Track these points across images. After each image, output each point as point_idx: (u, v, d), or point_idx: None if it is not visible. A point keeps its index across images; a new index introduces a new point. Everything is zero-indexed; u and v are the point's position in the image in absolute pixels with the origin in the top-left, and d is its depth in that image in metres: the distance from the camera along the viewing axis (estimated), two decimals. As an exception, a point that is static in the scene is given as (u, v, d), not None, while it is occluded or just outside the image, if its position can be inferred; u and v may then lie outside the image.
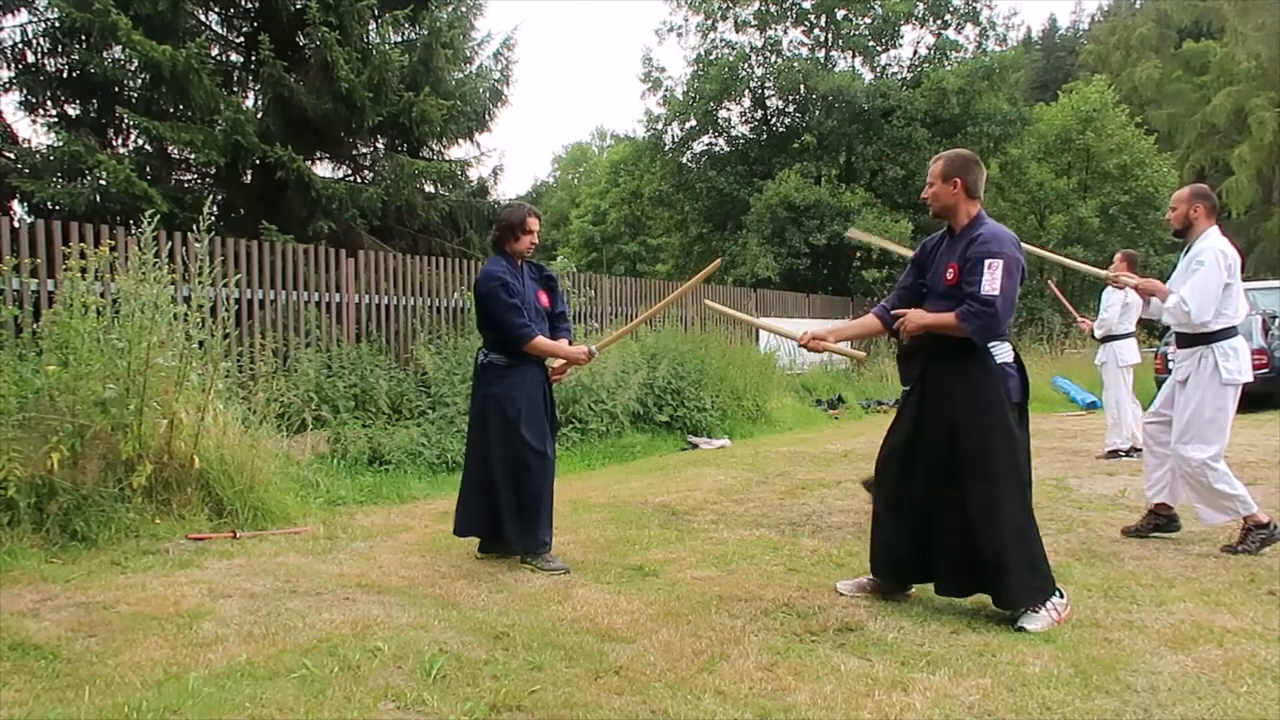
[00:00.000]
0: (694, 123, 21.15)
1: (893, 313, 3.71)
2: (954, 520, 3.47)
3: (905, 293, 3.79)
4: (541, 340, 4.36)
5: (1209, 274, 4.44)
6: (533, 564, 4.30)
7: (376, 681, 2.81)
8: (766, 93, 21.09)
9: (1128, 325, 8.17)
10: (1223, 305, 4.49)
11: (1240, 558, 4.42)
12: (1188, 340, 4.63)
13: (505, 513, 4.31)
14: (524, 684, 2.81)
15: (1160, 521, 4.90)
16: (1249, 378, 4.62)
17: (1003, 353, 3.53)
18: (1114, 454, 7.98)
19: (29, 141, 10.38)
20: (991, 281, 3.35)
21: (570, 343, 4.59)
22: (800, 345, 3.77)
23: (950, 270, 3.53)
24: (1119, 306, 8.00)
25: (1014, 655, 3.06)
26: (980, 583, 3.48)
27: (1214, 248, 4.49)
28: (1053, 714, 2.62)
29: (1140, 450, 7.82)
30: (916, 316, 3.58)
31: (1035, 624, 3.35)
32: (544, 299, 4.53)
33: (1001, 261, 3.37)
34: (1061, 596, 3.49)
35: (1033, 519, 3.51)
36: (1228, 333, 4.54)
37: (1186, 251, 4.68)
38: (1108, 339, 8.18)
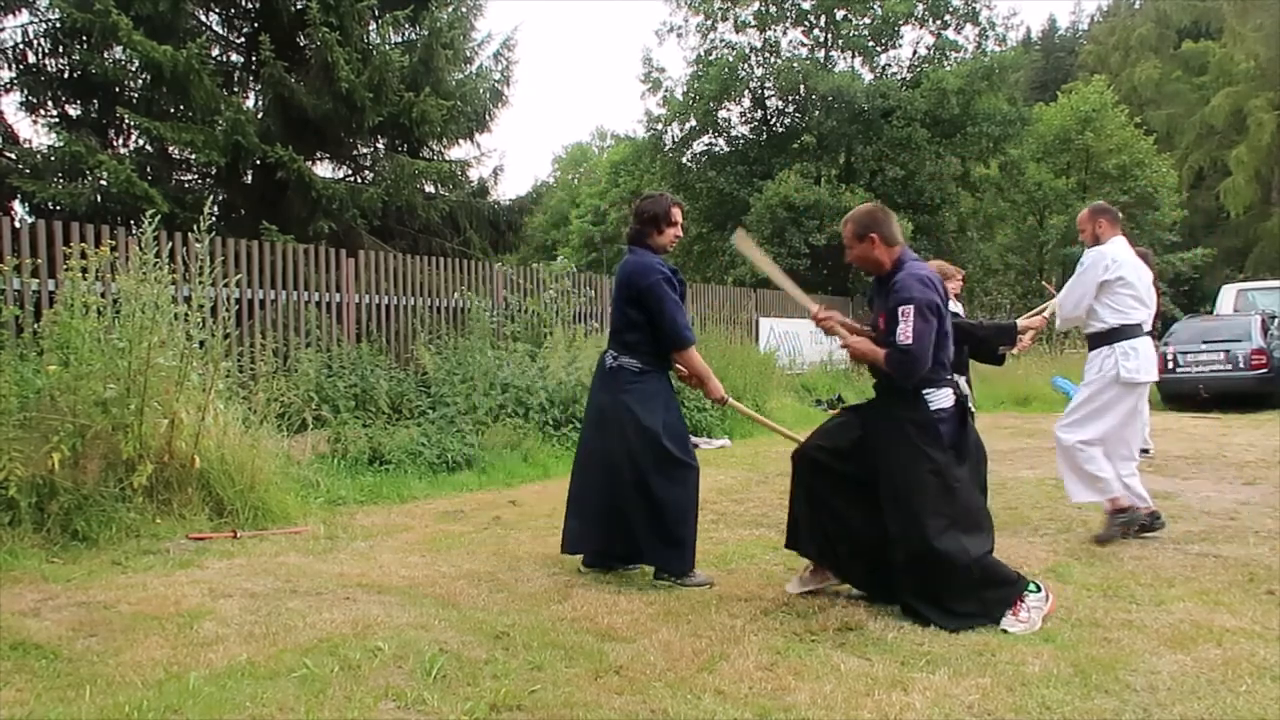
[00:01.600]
0: (694, 123, 21.16)
1: (848, 342, 3.79)
2: (877, 549, 3.58)
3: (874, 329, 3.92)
4: (695, 354, 4.04)
5: (1081, 275, 4.80)
6: (677, 581, 3.95)
7: (377, 681, 2.81)
8: (766, 93, 21.09)
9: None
10: (1115, 304, 4.73)
11: (1239, 556, 4.42)
12: (1092, 343, 4.88)
13: (640, 529, 3.91)
14: (524, 684, 2.81)
15: (1144, 520, 4.88)
16: (1150, 377, 4.74)
17: (939, 399, 3.59)
18: None
19: (30, 142, 10.42)
20: (905, 331, 3.48)
21: None
22: (812, 317, 3.82)
23: (881, 319, 3.67)
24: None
25: (1013, 655, 3.07)
26: (921, 607, 3.50)
27: (1097, 249, 4.78)
28: (1052, 713, 2.63)
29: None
30: (863, 346, 3.71)
31: (1015, 626, 3.36)
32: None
33: (913, 307, 3.50)
34: (1039, 590, 3.49)
35: (959, 551, 3.44)
36: (1125, 332, 4.72)
37: None
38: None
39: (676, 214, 4.08)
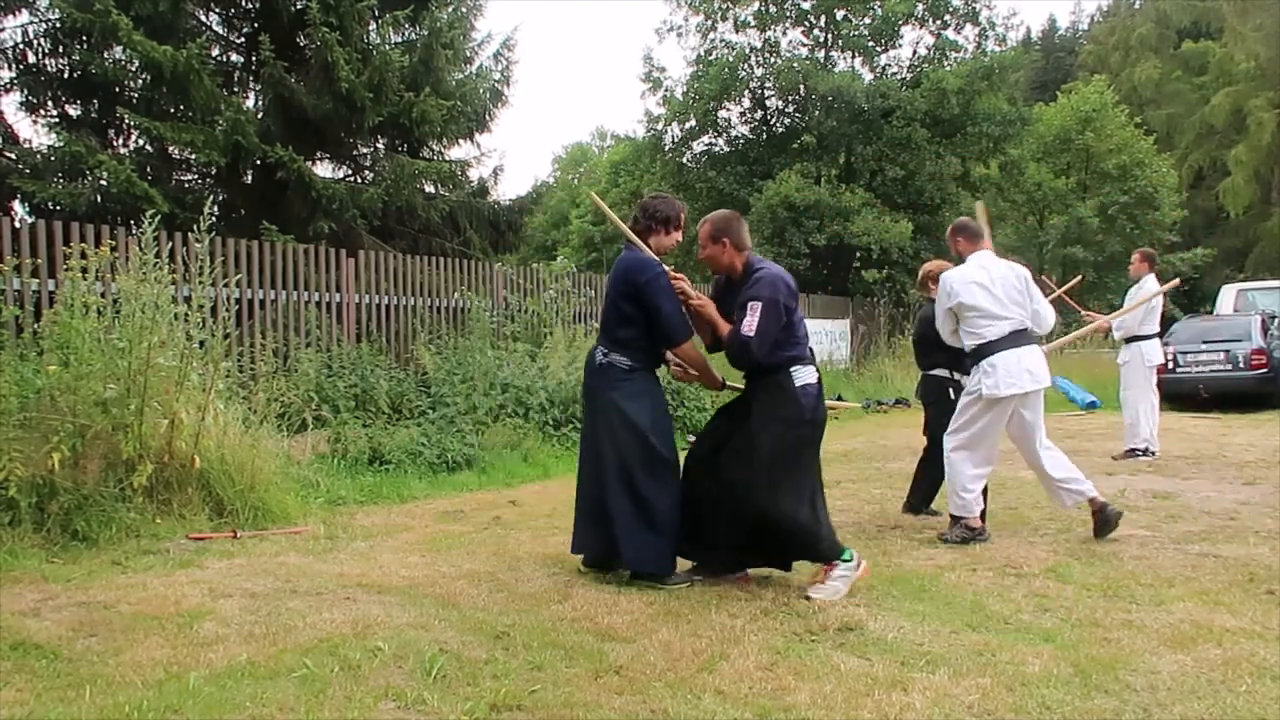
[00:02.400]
0: (694, 123, 21.14)
1: (695, 301, 4.08)
2: (733, 509, 3.90)
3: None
4: (692, 347, 4.08)
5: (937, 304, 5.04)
6: (663, 585, 3.92)
7: (377, 681, 2.81)
8: (766, 93, 21.08)
9: (1152, 326, 8.17)
10: (967, 327, 4.87)
11: (1239, 557, 4.42)
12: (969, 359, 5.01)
13: (624, 529, 3.89)
14: (524, 683, 2.81)
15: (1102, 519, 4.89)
16: (1014, 390, 4.72)
17: (804, 375, 3.95)
18: (1132, 453, 7.97)
19: (30, 142, 10.42)
20: (750, 324, 3.82)
21: None
22: (681, 295, 4.02)
23: (735, 316, 3.95)
24: (1143, 308, 7.99)
25: (1013, 655, 3.07)
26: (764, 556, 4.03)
27: (942, 279, 4.99)
28: (1052, 713, 2.63)
29: (1155, 451, 7.91)
30: (708, 311, 4.06)
31: (819, 593, 3.73)
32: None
33: (761, 304, 3.83)
34: (851, 559, 3.84)
35: (805, 500, 3.88)
36: (983, 351, 4.79)
37: None
38: (1132, 339, 8.17)
39: (684, 220, 4.17)
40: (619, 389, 3.98)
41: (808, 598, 3.70)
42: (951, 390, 5.42)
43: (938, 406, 5.48)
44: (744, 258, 4.03)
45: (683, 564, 4.16)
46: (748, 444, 3.88)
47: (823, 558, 3.86)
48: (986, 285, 4.81)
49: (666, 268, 3.99)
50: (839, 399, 13.76)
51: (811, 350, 4.06)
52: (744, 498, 3.84)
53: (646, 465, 3.94)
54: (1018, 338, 4.75)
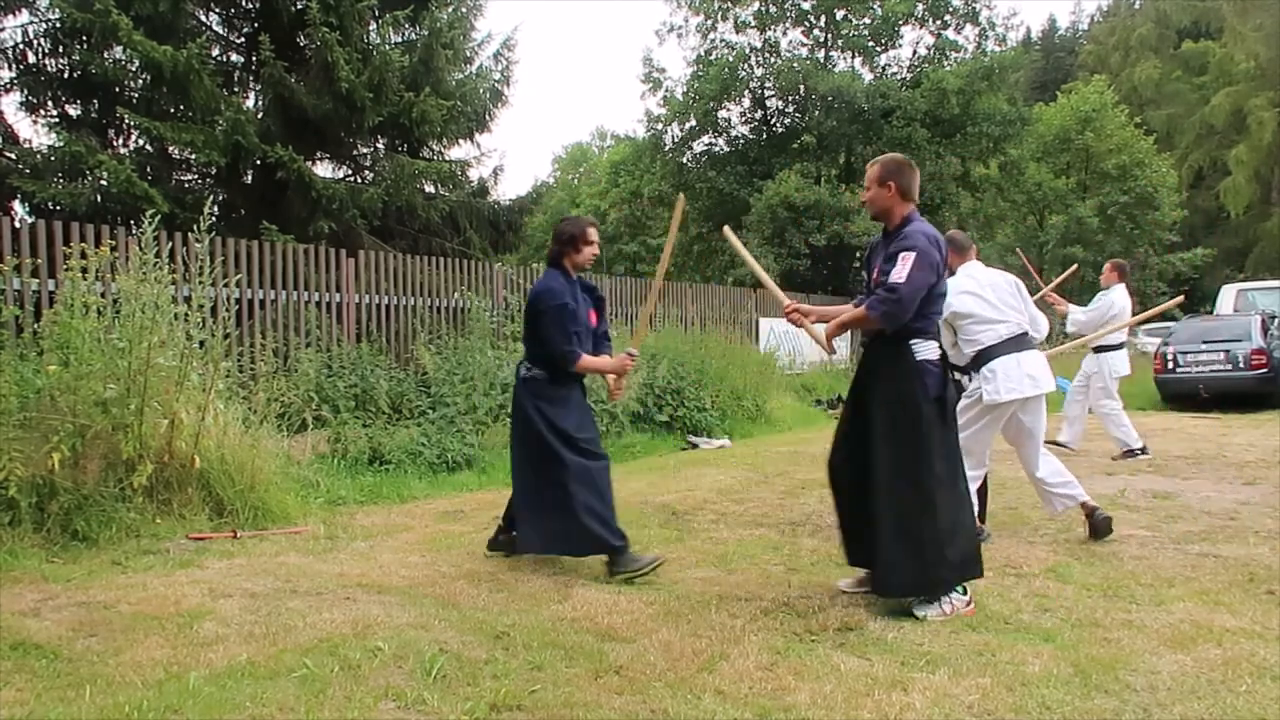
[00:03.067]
0: (694, 123, 21.17)
1: (818, 331, 3.90)
2: (868, 509, 3.62)
3: (868, 293, 3.93)
4: (586, 359, 4.25)
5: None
6: (625, 568, 4.10)
7: (377, 681, 2.81)
8: (766, 93, 21.10)
9: (1118, 335, 8.21)
10: (963, 335, 4.77)
11: (1239, 556, 4.42)
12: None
13: (573, 519, 4.13)
14: (524, 683, 2.81)
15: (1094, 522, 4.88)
16: (1014, 395, 4.65)
17: (925, 350, 3.62)
18: (1130, 453, 7.99)
19: (30, 142, 10.41)
20: (900, 272, 3.48)
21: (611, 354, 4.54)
22: (784, 312, 3.88)
23: (876, 271, 3.69)
24: (1105, 318, 8.04)
25: (1013, 655, 3.07)
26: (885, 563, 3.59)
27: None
28: (1052, 713, 2.63)
29: (1146, 451, 7.95)
30: (835, 322, 3.82)
31: (924, 610, 3.47)
32: (593, 318, 4.43)
33: (914, 254, 3.50)
34: (964, 594, 3.55)
35: (938, 513, 3.49)
36: (983, 357, 4.72)
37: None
38: (1101, 349, 8.21)
39: (592, 234, 4.35)
40: (541, 397, 4.28)
41: (910, 613, 3.48)
42: None
43: None
44: (906, 209, 3.70)
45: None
46: (866, 431, 3.61)
47: (924, 590, 3.51)
48: (976, 292, 4.79)
49: (786, 299, 3.97)
50: (839, 399, 13.78)
51: (938, 328, 3.77)
52: (872, 492, 3.56)
53: (581, 460, 4.20)
54: (1018, 342, 4.72)
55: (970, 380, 4.93)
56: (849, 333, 4.18)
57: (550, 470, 4.20)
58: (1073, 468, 7.59)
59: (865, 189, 3.80)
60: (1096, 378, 8.28)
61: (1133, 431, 8.10)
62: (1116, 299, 8.10)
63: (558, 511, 4.18)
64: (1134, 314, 8.48)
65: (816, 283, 18.98)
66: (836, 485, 3.90)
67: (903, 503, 3.50)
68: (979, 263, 5.05)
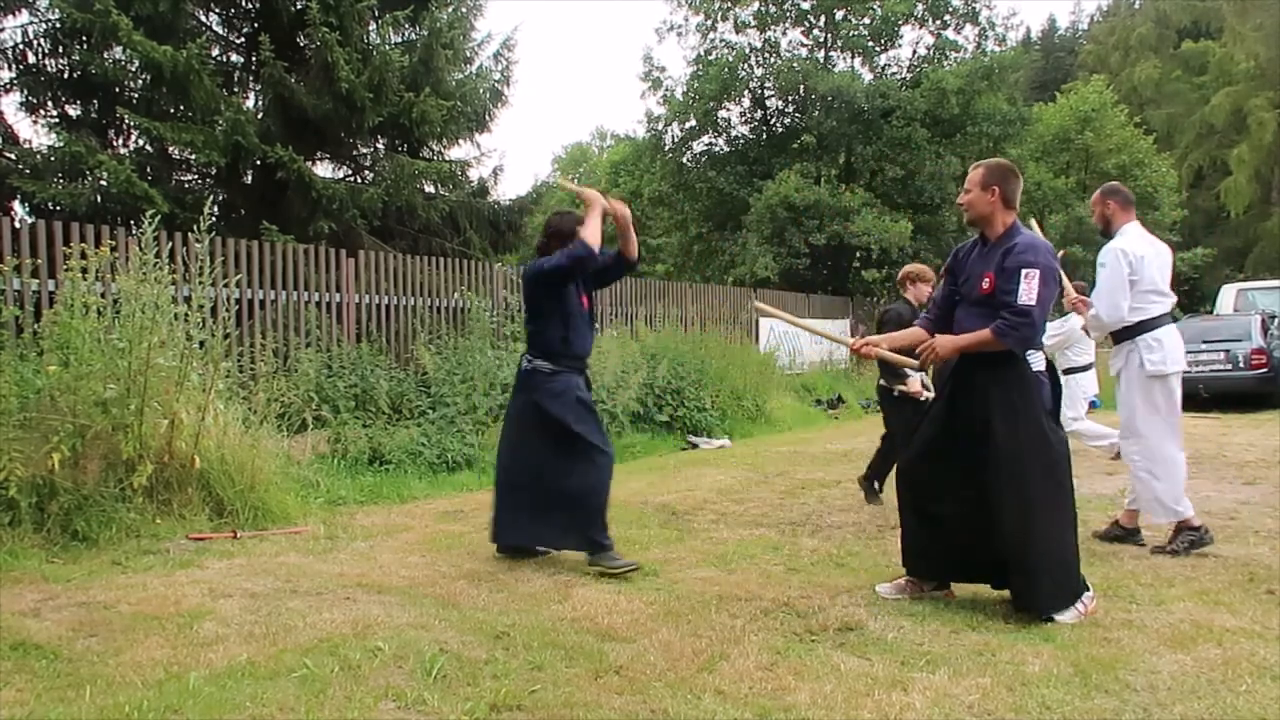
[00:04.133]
0: (694, 123, 21.14)
1: (918, 350, 3.73)
2: (985, 522, 3.52)
3: (944, 303, 3.85)
4: (582, 231, 4.34)
5: (1109, 275, 4.58)
6: (602, 565, 4.18)
7: (377, 681, 2.81)
8: (766, 93, 21.09)
9: (1086, 357, 8.24)
10: (1136, 301, 4.57)
11: (1239, 556, 4.42)
12: (1117, 336, 4.76)
13: (560, 516, 4.24)
14: (524, 684, 2.81)
15: (1119, 532, 4.86)
16: (1177, 367, 4.63)
17: (1036, 360, 3.62)
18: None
19: (30, 142, 10.39)
20: (1029, 292, 3.42)
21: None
22: (852, 351, 3.85)
23: (986, 279, 3.58)
24: (1067, 335, 8.09)
25: (1013, 655, 3.07)
26: (1007, 582, 3.57)
27: (1116, 248, 4.61)
28: (1052, 713, 2.63)
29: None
30: (946, 342, 3.63)
31: (1066, 616, 3.43)
32: (585, 302, 4.54)
33: (1038, 271, 3.45)
34: (1088, 590, 3.56)
35: (1068, 523, 3.53)
36: (1149, 325, 4.59)
37: None
38: (1070, 371, 8.23)
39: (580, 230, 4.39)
40: (541, 390, 4.32)
41: (1050, 618, 3.42)
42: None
43: (890, 403, 5.93)
44: (1009, 217, 3.63)
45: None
46: (997, 449, 3.47)
47: (1064, 603, 3.47)
48: (1154, 260, 4.61)
49: (851, 339, 4.03)
50: (839, 399, 13.79)
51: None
52: (1000, 512, 3.46)
53: (584, 453, 4.26)
54: (1169, 316, 4.66)
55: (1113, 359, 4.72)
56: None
57: (545, 465, 4.26)
58: (1074, 466, 7.61)
59: (965, 190, 3.71)
60: (1065, 398, 8.28)
61: (1106, 429, 8.10)
62: (1078, 322, 8.17)
63: (549, 506, 4.25)
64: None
65: (816, 283, 18.99)
66: (924, 493, 3.73)
67: (1044, 518, 3.45)
68: (1139, 225, 4.79)
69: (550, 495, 4.28)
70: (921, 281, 6.05)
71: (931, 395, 5.46)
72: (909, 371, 5.63)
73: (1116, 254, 4.56)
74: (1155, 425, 4.63)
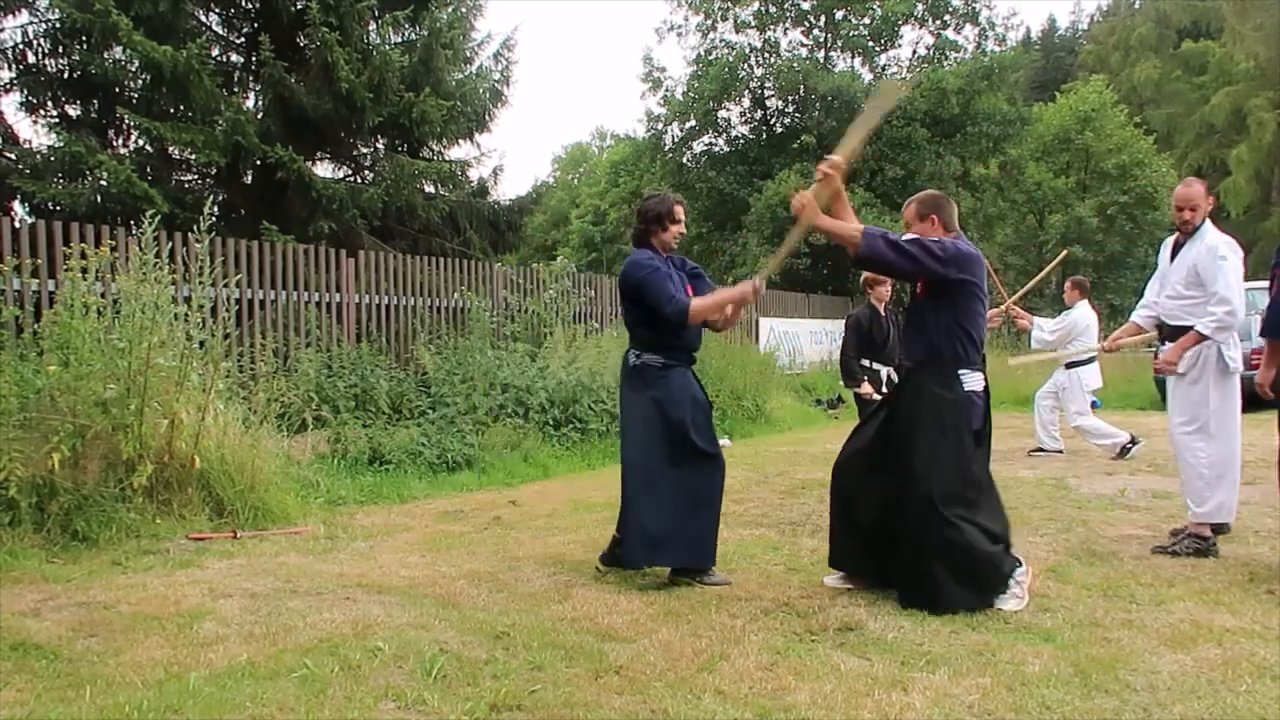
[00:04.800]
0: (694, 123, 21.17)
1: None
2: (896, 528, 3.67)
3: None
4: (697, 302, 3.94)
5: (1233, 267, 4.49)
6: (698, 580, 3.96)
7: (377, 681, 2.81)
8: (766, 93, 21.10)
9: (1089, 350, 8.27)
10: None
11: (1239, 556, 4.42)
12: (1175, 334, 4.67)
13: (675, 525, 3.91)
14: (524, 684, 2.81)
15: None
16: (1241, 366, 4.71)
17: (973, 381, 3.71)
18: (1125, 450, 8.00)
19: (30, 142, 10.41)
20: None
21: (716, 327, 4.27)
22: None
23: (920, 285, 3.83)
24: (1070, 334, 8.14)
25: (1013, 654, 3.07)
26: (917, 589, 3.62)
27: (1228, 242, 4.52)
28: (1052, 713, 2.63)
29: (1137, 440, 8.02)
30: (810, 214, 3.75)
31: (1007, 604, 3.55)
32: (691, 293, 4.10)
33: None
34: (1021, 565, 3.67)
35: (971, 530, 3.58)
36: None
37: (1183, 248, 4.64)
38: (1072, 365, 8.27)
39: (679, 212, 4.11)
40: (655, 388, 4.01)
41: (999, 609, 3.52)
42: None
43: (860, 402, 6.40)
44: (953, 239, 3.76)
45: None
46: (909, 455, 3.62)
47: (992, 598, 3.57)
48: (1235, 262, 4.53)
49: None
50: (839, 400, 13.78)
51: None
52: (912, 514, 3.60)
53: (694, 461, 3.97)
54: None
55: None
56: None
57: (673, 473, 3.94)
58: (1074, 466, 7.64)
59: (906, 226, 3.90)
60: (1068, 393, 8.33)
61: (1111, 429, 8.15)
62: (1079, 317, 8.24)
63: (687, 518, 3.92)
64: (1100, 326, 8.61)
65: (816, 282, 18.99)
66: (847, 494, 3.87)
67: (950, 527, 3.54)
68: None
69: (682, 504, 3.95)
70: (879, 285, 6.55)
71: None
72: (863, 376, 6.36)
73: (1231, 245, 4.53)
74: (1230, 424, 4.71)
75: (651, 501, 3.93)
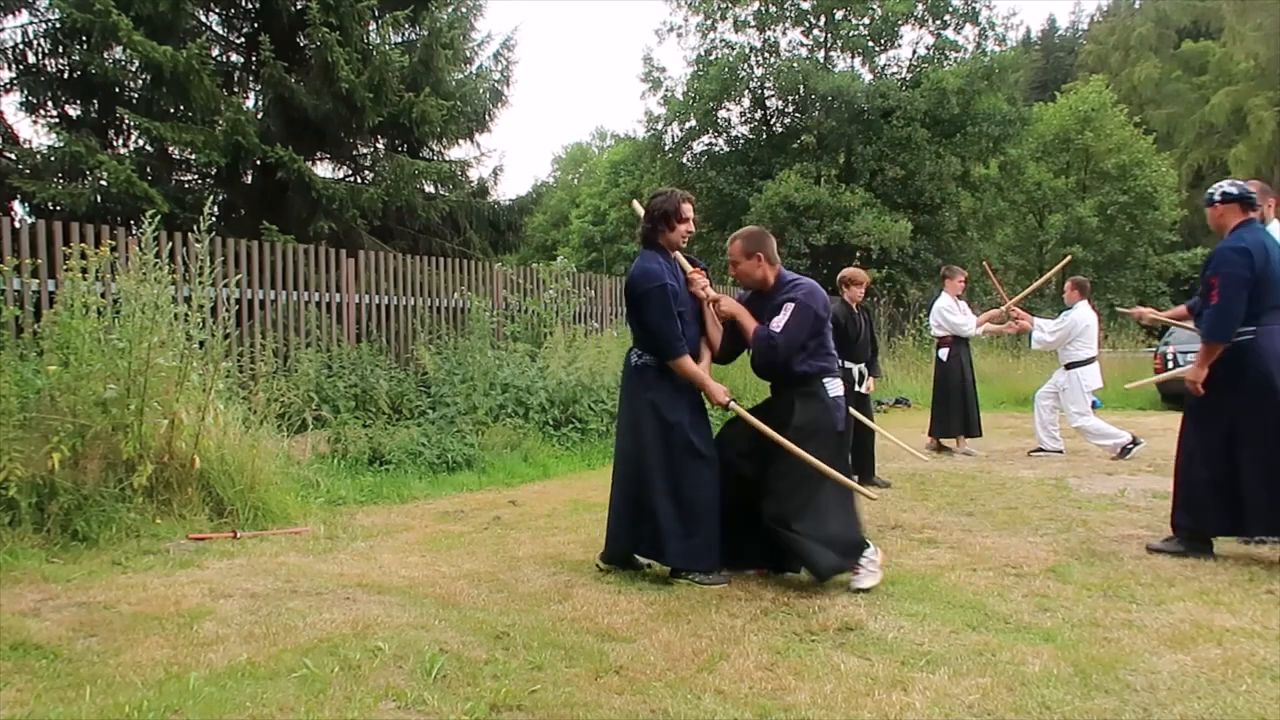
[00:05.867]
0: (694, 123, 21.15)
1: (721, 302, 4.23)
2: (762, 514, 3.94)
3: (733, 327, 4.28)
4: (688, 363, 3.98)
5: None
6: (697, 580, 3.95)
7: (377, 681, 2.81)
8: (766, 93, 21.09)
9: (1089, 350, 8.29)
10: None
11: (1239, 556, 4.42)
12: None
13: (666, 527, 3.92)
14: (524, 684, 2.81)
15: None
16: None
17: (835, 388, 4.07)
18: (1125, 450, 8.01)
19: (30, 142, 10.41)
20: (779, 321, 3.93)
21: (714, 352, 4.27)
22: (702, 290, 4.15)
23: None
24: (1071, 334, 8.17)
25: (1013, 654, 3.07)
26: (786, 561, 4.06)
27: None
28: (1052, 713, 2.63)
29: (1138, 441, 8.03)
30: (732, 307, 4.15)
31: (864, 581, 3.84)
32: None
33: (794, 305, 3.94)
34: (869, 547, 3.93)
35: (831, 507, 3.89)
36: None
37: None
38: (1072, 365, 8.29)
39: (687, 210, 4.08)
40: (654, 389, 4.02)
41: (857, 589, 3.80)
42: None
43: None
44: (776, 271, 4.12)
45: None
46: (784, 460, 3.86)
47: (849, 566, 3.91)
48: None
49: (689, 265, 4.08)
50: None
51: (841, 365, 4.21)
52: (786, 515, 3.86)
53: (685, 463, 3.97)
54: None
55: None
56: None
57: (671, 474, 3.94)
58: (1074, 466, 7.65)
59: (733, 264, 4.13)
60: (1068, 393, 8.34)
61: (1113, 429, 8.17)
62: (1079, 317, 8.26)
63: (691, 520, 3.93)
64: (1100, 327, 8.64)
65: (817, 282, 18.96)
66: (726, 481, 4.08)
67: (811, 507, 3.87)
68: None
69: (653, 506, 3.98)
70: (855, 284, 6.71)
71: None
72: None
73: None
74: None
75: (633, 509, 4.04)
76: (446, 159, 12.53)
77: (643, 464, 4.00)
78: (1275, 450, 4.19)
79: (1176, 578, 4.05)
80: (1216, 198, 4.49)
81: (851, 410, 6.25)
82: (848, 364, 6.44)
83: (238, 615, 3.45)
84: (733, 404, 4.07)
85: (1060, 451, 8.40)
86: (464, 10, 12.32)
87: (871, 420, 6.58)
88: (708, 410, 4.17)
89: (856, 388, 6.47)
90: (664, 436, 3.96)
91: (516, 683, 2.81)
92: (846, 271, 6.81)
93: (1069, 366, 8.36)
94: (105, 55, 10.03)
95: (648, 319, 3.97)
